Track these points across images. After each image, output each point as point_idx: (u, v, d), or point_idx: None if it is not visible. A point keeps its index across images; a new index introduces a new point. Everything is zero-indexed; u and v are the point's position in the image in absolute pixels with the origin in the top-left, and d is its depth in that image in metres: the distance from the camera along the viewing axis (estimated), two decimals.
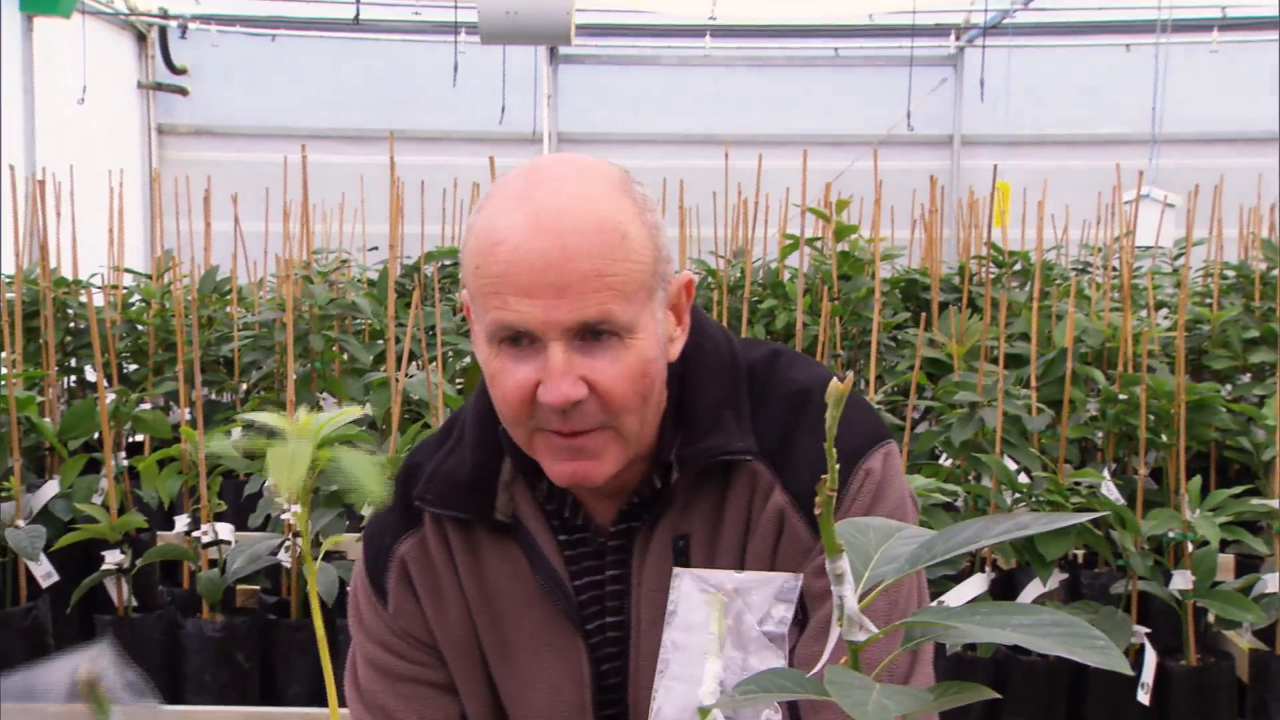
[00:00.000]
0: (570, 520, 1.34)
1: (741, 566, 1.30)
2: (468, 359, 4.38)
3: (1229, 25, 8.00)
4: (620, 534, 1.32)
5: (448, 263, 5.27)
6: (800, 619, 1.26)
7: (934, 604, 2.58)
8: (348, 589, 1.53)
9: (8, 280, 4.31)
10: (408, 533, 1.37)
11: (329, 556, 3.20)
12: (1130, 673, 0.73)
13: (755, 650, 0.91)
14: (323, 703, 2.63)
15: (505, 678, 1.37)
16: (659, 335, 1.24)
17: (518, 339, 1.20)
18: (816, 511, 0.81)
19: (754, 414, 1.31)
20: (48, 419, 3.89)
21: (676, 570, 0.98)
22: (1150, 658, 3.05)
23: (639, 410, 1.23)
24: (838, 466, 1.27)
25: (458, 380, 4.31)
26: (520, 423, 1.23)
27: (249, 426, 0.89)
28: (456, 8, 7.28)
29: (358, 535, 2.62)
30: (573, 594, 1.33)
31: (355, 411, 0.87)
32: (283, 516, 3.21)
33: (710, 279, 5.06)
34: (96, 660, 0.70)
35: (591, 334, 1.19)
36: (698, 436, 1.28)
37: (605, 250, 1.17)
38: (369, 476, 0.81)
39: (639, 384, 1.21)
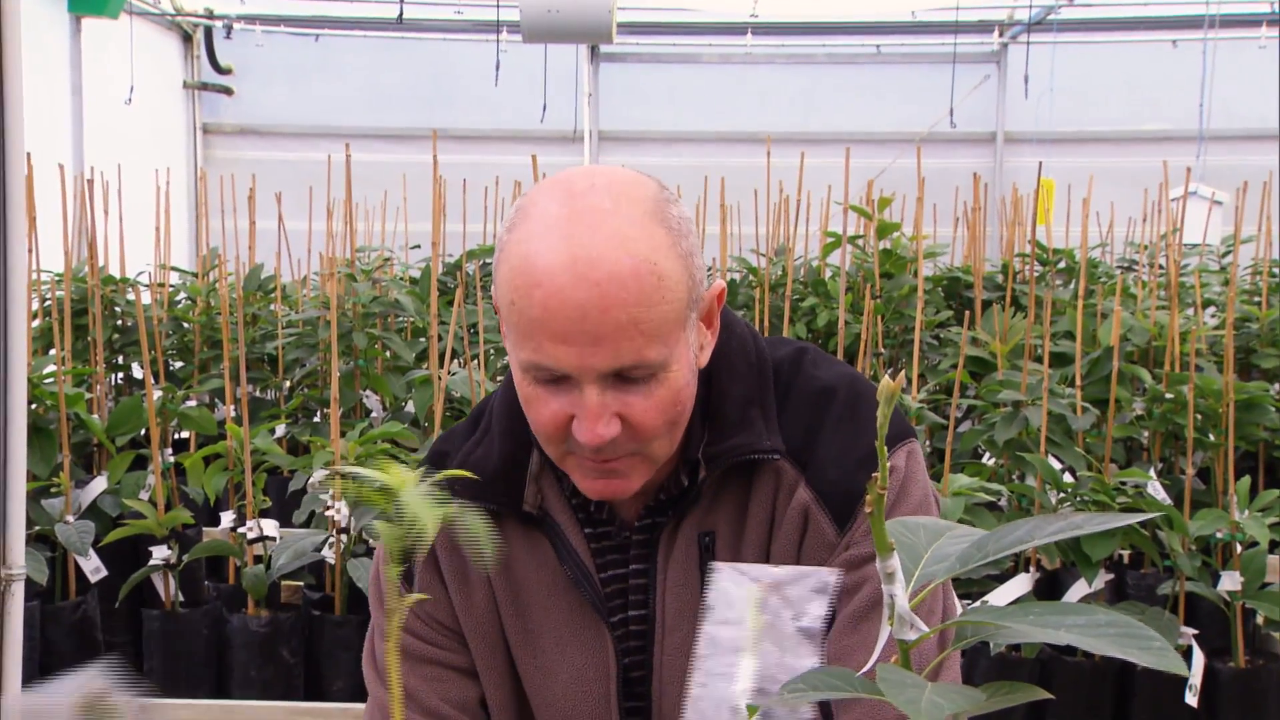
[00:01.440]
0: (596, 514, 1.35)
1: (765, 560, 1.31)
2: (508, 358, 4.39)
3: (1278, 21, 7.89)
4: (645, 529, 1.34)
5: (489, 261, 5.28)
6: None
7: (978, 604, 2.57)
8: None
9: (57, 278, 4.35)
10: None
11: (370, 553, 3.22)
12: (1185, 673, 0.72)
13: (791, 646, 0.91)
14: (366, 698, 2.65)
15: (530, 666, 1.37)
16: (691, 360, 1.25)
17: (550, 379, 1.21)
18: (867, 509, 0.80)
19: (780, 412, 1.33)
20: (96, 415, 3.94)
21: (714, 564, 0.98)
22: (1198, 659, 3.02)
23: (669, 434, 1.25)
24: (852, 463, 1.31)
25: (499, 378, 4.33)
26: (553, 444, 1.25)
27: (347, 477, 0.88)
28: (499, 6, 7.30)
29: None
30: (600, 585, 1.34)
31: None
32: (327, 513, 3.23)
33: (752, 277, 5.05)
34: (98, 680, 0.70)
35: (626, 376, 1.20)
36: (725, 435, 1.30)
37: (641, 298, 1.16)
38: (484, 537, 0.80)
39: (670, 413, 1.23)
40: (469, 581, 1.37)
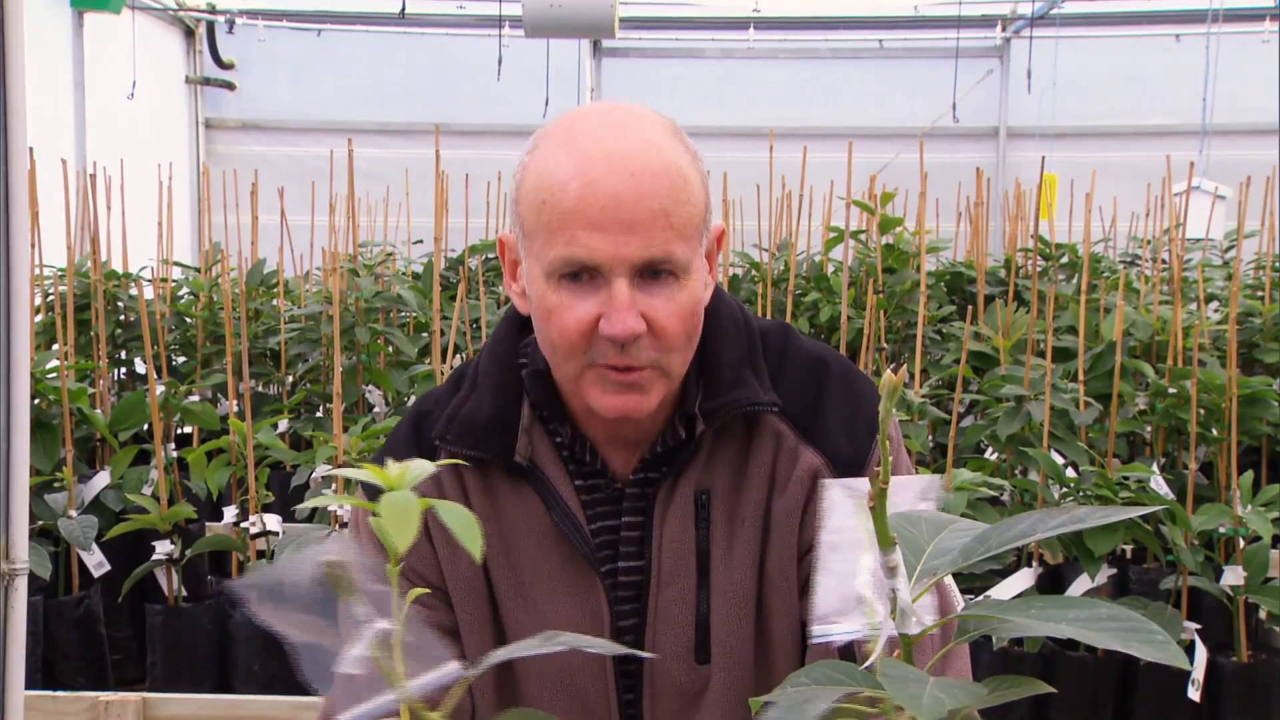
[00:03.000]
0: (588, 466, 1.37)
1: (766, 524, 1.35)
2: None
3: None
4: (639, 483, 1.36)
5: (492, 255, 5.28)
6: None
7: (980, 598, 2.57)
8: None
9: (60, 273, 4.36)
10: None
11: None
12: (1188, 667, 0.72)
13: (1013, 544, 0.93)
14: None
15: (520, 621, 1.37)
16: (704, 280, 1.30)
17: (579, 275, 1.24)
18: (870, 504, 0.80)
19: (776, 376, 1.37)
20: (99, 410, 3.94)
21: (825, 481, 0.99)
22: (1201, 654, 3.02)
23: (684, 349, 1.29)
24: (861, 430, 1.35)
25: None
26: (574, 357, 1.27)
27: (328, 478, 0.88)
28: (501, 1, 7.29)
29: None
30: (590, 536, 1.35)
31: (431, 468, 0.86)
32: (331, 508, 3.23)
33: (754, 272, 5.05)
34: (340, 549, 0.75)
35: (651, 273, 1.24)
36: (722, 390, 1.33)
37: (671, 192, 1.23)
38: (467, 530, 0.81)
39: (689, 323, 1.27)
40: (455, 540, 1.37)
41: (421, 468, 0.87)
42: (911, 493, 0.98)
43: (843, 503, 0.94)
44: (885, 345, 4.43)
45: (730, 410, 1.33)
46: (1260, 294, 4.90)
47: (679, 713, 1.34)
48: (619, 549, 1.36)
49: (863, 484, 0.93)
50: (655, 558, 1.35)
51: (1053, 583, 3.45)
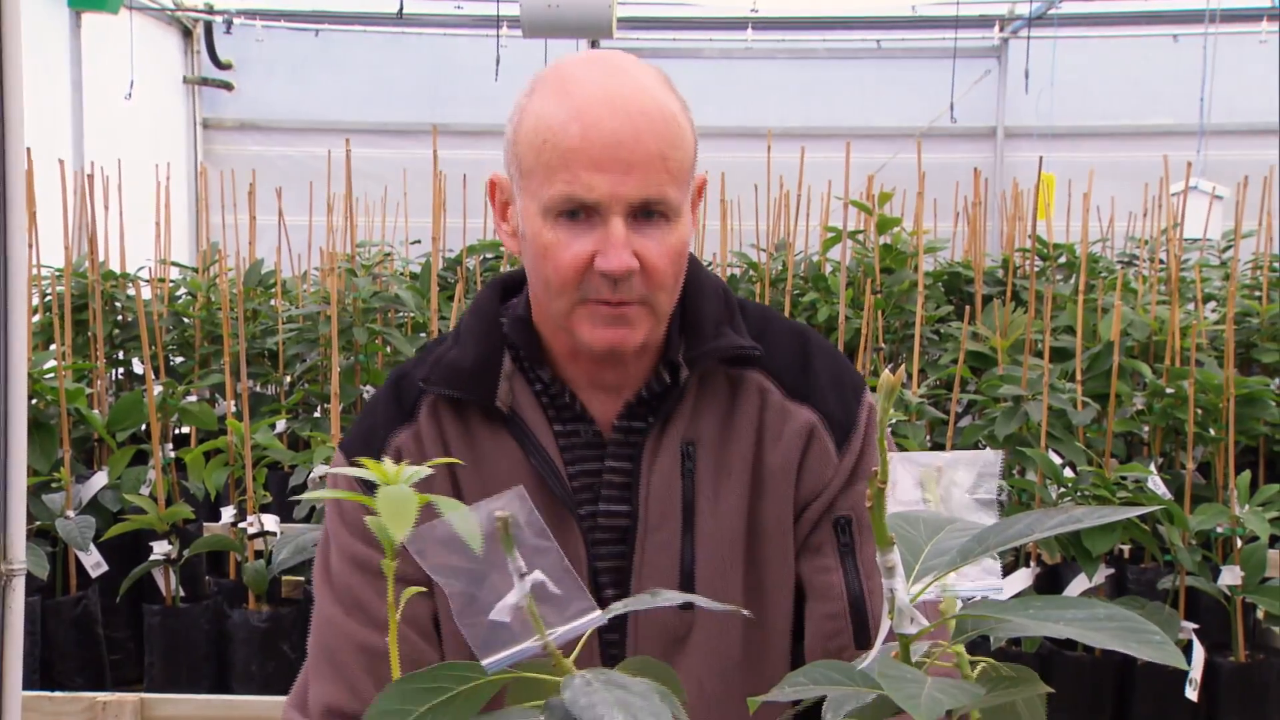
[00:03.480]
0: (568, 411, 1.41)
1: (758, 477, 1.40)
2: None
3: (1279, 15, 7.89)
4: (623, 430, 1.40)
5: (490, 256, 5.29)
6: (846, 546, 1.39)
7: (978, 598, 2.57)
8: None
9: (57, 274, 4.35)
10: (402, 426, 1.43)
11: None
12: (1185, 666, 0.72)
13: (968, 513, 0.94)
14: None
15: None
16: (690, 225, 1.36)
17: (576, 213, 1.29)
18: (867, 504, 0.80)
19: (757, 340, 1.42)
20: (96, 411, 3.94)
21: (890, 457, 1.00)
22: (1198, 654, 3.02)
23: (672, 290, 1.34)
24: (849, 393, 1.42)
25: None
26: (566, 293, 1.31)
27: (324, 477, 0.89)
28: (499, 1, 7.29)
29: None
30: (567, 480, 1.39)
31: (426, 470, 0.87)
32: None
33: (752, 272, 5.05)
34: (510, 503, 0.81)
35: (645, 214, 1.30)
36: (705, 340, 1.39)
37: (667, 136, 1.29)
38: (465, 525, 0.81)
39: (677, 264, 1.33)
40: (432, 486, 1.40)
41: (415, 470, 0.87)
42: (974, 468, 0.98)
43: (904, 478, 0.95)
44: (883, 345, 4.43)
45: (713, 356, 1.38)
46: (1257, 294, 4.90)
47: (663, 655, 1.36)
48: (600, 492, 1.40)
49: (925, 457, 0.95)
50: (643, 504, 1.38)
51: (1050, 582, 3.45)
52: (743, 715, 1.26)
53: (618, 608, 0.85)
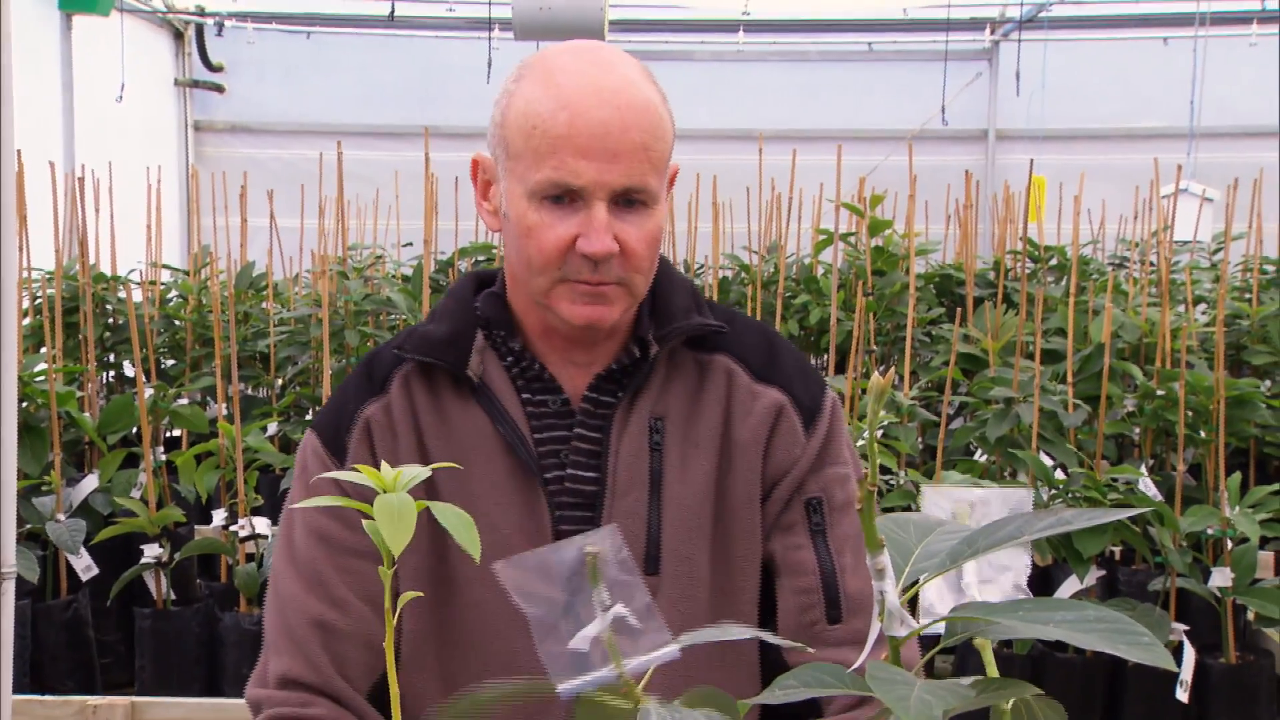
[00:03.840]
0: (537, 383, 1.46)
1: (726, 452, 1.45)
2: None
3: (1269, 18, 7.90)
4: (593, 402, 1.46)
5: (482, 259, 5.28)
6: (818, 526, 1.44)
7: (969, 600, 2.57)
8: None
9: (48, 276, 4.34)
10: (372, 399, 1.47)
11: None
12: (1174, 668, 0.72)
13: (1002, 550, 0.95)
14: None
15: None
16: (664, 212, 1.43)
17: (561, 197, 1.35)
18: (858, 506, 0.81)
19: (728, 325, 1.50)
20: (87, 414, 3.93)
21: (924, 489, 1.01)
22: (1189, 655, 3.03)
23: (647, 273, 1.41)
24: (813, 383, 1.49)
25: None
26: (548, 272, 1.38)
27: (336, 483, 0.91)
28: (490, 4, 7.29)
29: None
30: (533, 447, 1.43)
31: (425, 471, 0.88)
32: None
33: (744, 274, 5.05)
34: (602, 540, 0.84)
35: (626, 200, 1.36)
36: (673, 320, 1.46)
37: (651, 127, 1.36)
38: (466, 530, 0.82)
39: (653, 248, 1.40)
40: (399, 457, 1.45)
41: (415, 472, 0.88)
42: (1008, 504, 0.98)
43: (939, 507, 0.96)
44: (875, 347, 4.44)
45: (683, 333, 1.45)
46: (1248, 296, 4.92)
47: None
48: (568, 459, 1.44)
49: (961, 493, 0.95)
50: (611, 472, 1.43)
51: (1042, 584, 3.46)
52: (708, 676, 1.34)
53: (686, 639, 0.86)
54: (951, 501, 0.93)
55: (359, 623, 1.43)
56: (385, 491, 0.79)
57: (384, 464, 1.39)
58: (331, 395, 1.55)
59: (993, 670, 0.84)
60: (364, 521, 0.81)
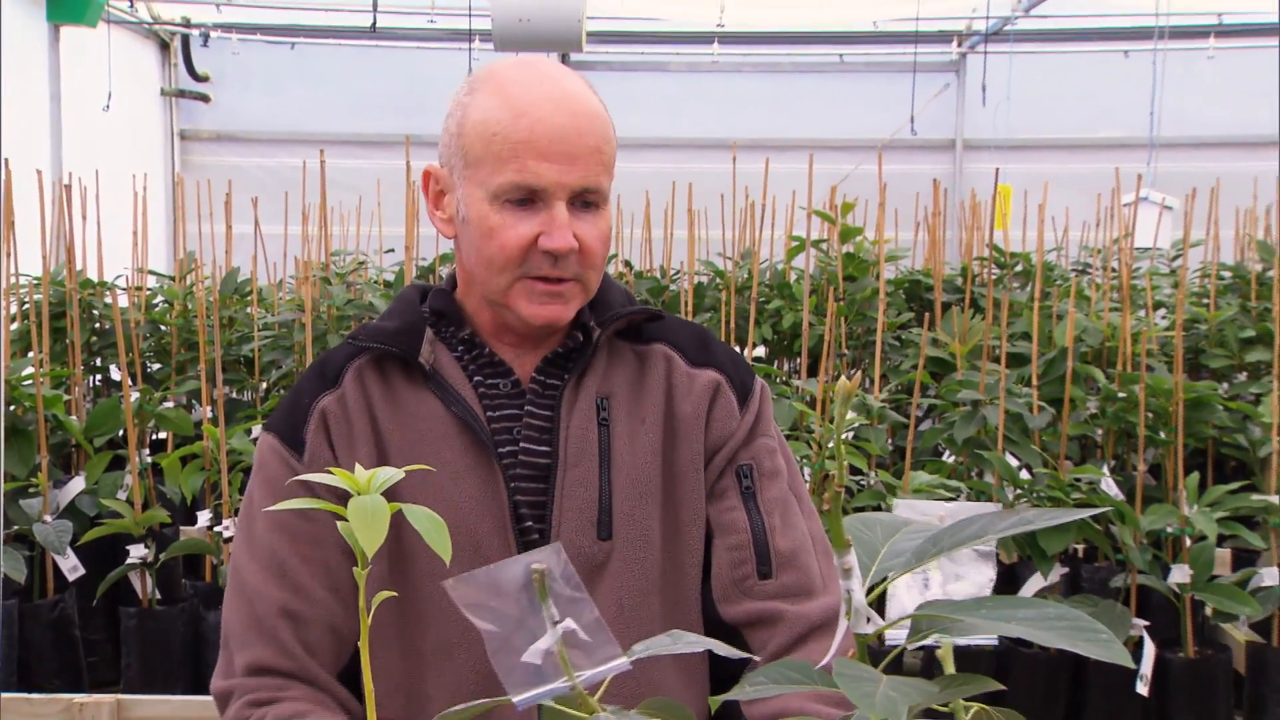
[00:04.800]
0: (488, 366, 1.51)
1: (668, 424, 1.52)
2: None
3: (1225, 32, 7.96)
4: (540, 384, 1.51)
5: None
6: (748, 489, 1.52)
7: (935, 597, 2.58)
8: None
9: (35, 282, 4.31)
10: (325, 392, 1.50)
11: None
12: (1131, 665, 0.72)
13: (967, 563, 0.96)
14: None
15: (429, 505, 1.42)
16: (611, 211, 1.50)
17: (524, 199, 1.41)
18: (825, 507, 0.81)
19: (659, 322, 1.58)
20: (74, 417, 3.90)
21: (895, 501, 1.02)
22: (1149, 650, 3.05)
23: (599, 269, 1.48)
24: (744, 370, 1.57)
25: None
26: (509, 270, 1.43)
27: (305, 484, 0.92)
28: (471, 16, 7.28)
29: None
30: (486, 424, 1.47)
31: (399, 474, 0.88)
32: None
33: (719, 280, 5.06)
34: (547, 558, 0.86)
35: (581, 202, 1.43)
36: (613, 308, 1.54)
37: (602, 132, 1.44)
38: (435, 531, 0.82)
39: (605, 245, 1.47)
40: (355, 445, 1.47)
41: (388, 474, 0.87)
42: (978, 519, 0.99)
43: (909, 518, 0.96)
44: (846, 351, 4.45)
45: (623, 316, 1.52)
46: (1206, 301, 4.95)
47: (585, 579, 1.42)
48: (520, 434, 1.48)
49: (929, 506, 0.96)
50: (562, 445, 1.47)
51: (1008, 581, 3.47)
52: (661, 625, 1.46)
53: (639, 649, 0.87)
54: (920, 514, 0.93)
55: (322, 609, 1.45)
56: (359, 494, 0.79)
57: (348, 457, 1.44)
58: (284, 397, 1.56)
59: (950, 668, 0.84)
60: (338, 523, 0.81)
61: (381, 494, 1.38)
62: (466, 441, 1.46)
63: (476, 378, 1.50)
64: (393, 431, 1.47)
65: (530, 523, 1.46)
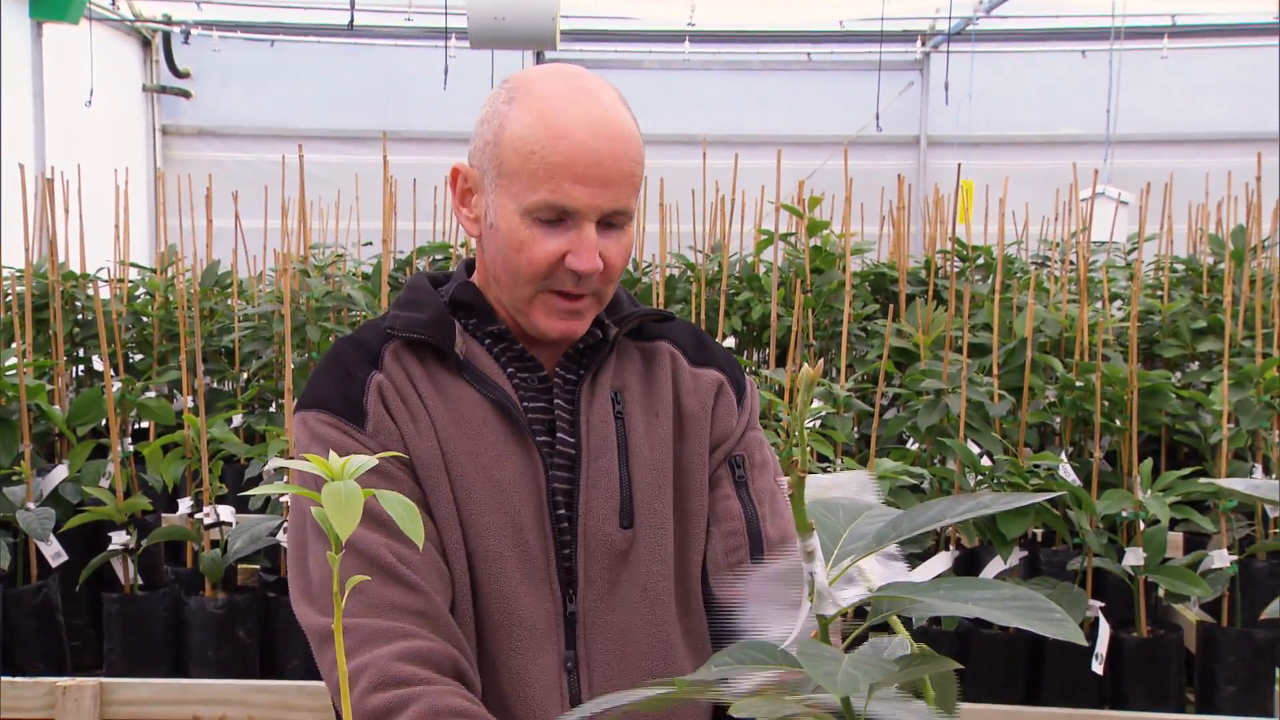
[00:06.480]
0: (517, 360, 1.52)
1: (677, 419, 1.56)
2: None
3: (1178, 33, 8.02)
4: (561, 378, 1.54)
5: (439, 258, 5.25)
6: (741, 479, 1.55)
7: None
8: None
9: (18, 274, 4.27)
10: (374, 369, 1.49)
11: None
12: (1084, 643, 0.73)
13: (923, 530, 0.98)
14: (320, 676, 2.63)
15: (474, 483, 1.45)
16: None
17: (555, 219, 1.42)
18: (789, 492, 0.81)
19: (663, 323, 1.62)
20: (57, 406, 3.87)
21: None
22: (1104, 630, 3.07)
23: (616, 281, 1.51)
24: (738, 370, 1.61)
25: None
26: (534, 282, 1.45)
27: (280, 470, 0.91)
28: (447, 14, 7.24)
29: None
30: (523, 411, 1.49)
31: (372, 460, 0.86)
32: (283, 499, 3.19)
33: (689, 272, 5.05)
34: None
35: (608, 222, 1.44)
36: (625, 309, 1.57)
37: (635, 155, 1.44)
38: (409, 518, 0.81)
39: (624, 261, 1.49)
40: (414, 413, 1.47)
41: (362, 461, 0.87)
42: (852, 487, 1.00)
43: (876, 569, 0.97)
44: (813, 342, 4.46)
45: (636, 316, 1.56)
46: (1159, 293, 4.98)
47: (610, 569, 1.48)
48: (555, 423, 1.51)
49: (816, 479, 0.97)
50: (584, 436, 1.50)
51: (969, 565, 3.49)
52: (676, 609, 1.50)
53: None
54: (811, 489, 0.93)
55: (428, 555, 1.42)
56: (332, 479, 0.78)
57: (411, 428, 1.44)
58: (317, 379, 1.51)
59: (902, 634, 0.85)
60: (312, 508, 0.80)
61: (443, 470, 1.45)
62: (506, 427, 1.48)
63: (509, 370, 1.52)
64: (437, 410, 1.48)
65: (562, 510, 1.48)
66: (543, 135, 1.40)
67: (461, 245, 5.16)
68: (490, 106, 1.47)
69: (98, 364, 4.69)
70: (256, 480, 3.49)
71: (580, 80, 1.46)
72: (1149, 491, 3.13)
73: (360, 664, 1.33)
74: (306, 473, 1.42)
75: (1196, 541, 3.81)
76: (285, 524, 3.16)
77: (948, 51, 8.22)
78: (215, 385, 4.63)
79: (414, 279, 1.59)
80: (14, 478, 3.42)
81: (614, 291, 1.53)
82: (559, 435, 1.50)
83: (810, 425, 3.46)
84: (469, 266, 1.59)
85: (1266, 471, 3.79)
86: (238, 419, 4.01)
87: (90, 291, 4.62)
